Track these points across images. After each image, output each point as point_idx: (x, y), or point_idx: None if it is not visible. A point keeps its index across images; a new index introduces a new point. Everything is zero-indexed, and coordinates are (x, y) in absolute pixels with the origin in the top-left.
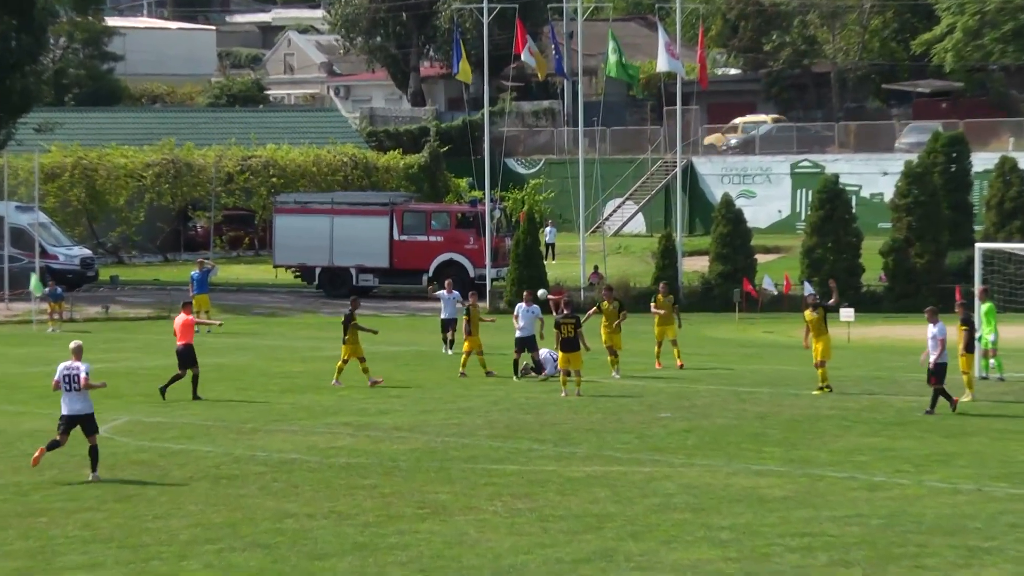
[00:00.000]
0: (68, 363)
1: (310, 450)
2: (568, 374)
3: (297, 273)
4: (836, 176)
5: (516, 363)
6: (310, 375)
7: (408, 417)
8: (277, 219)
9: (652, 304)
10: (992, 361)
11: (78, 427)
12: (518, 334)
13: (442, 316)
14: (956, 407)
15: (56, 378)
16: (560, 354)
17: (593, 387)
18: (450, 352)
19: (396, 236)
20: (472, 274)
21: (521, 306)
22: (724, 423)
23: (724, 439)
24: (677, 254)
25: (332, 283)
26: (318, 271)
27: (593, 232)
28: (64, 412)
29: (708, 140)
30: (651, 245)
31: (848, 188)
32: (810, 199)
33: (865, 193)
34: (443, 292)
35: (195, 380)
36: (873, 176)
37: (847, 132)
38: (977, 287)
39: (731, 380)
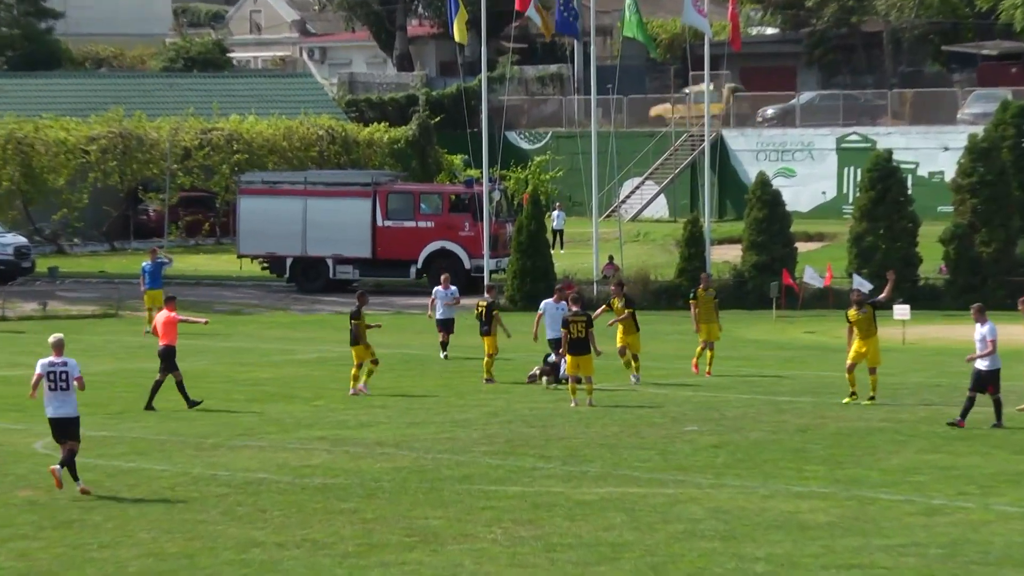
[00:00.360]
0: (51, 359)
1: (280, 469)
2: (578, 380)
3: (265, 264)
4: (889, 152)
5: (556, 367)
6: (280, 382)
7: (393, 431)
8: (242, 202)
9: (692, 301)
10: None
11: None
12: (550, 335)
13: (437, 316)
14: (962, 426)
15: (39, 372)
16: (568, 358)
17: (607, 396)
18: (443, 356)
19: (380, 222)
20: (468, 265)
21: (548, 303)
22: (759, 437)
23: (759, 456)
24: (705, 242)
25: (306, 275)
26: (289, 261)
27: (607, 217)
28: (50, 415)
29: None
30: (675, 232)
31: (903, 166)
32: (859, 178)
33: (923, 171)
34: (439, 288)
35: (155, 389)
36: (932, 152)
37: (902, 101)
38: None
39: (767, 388)
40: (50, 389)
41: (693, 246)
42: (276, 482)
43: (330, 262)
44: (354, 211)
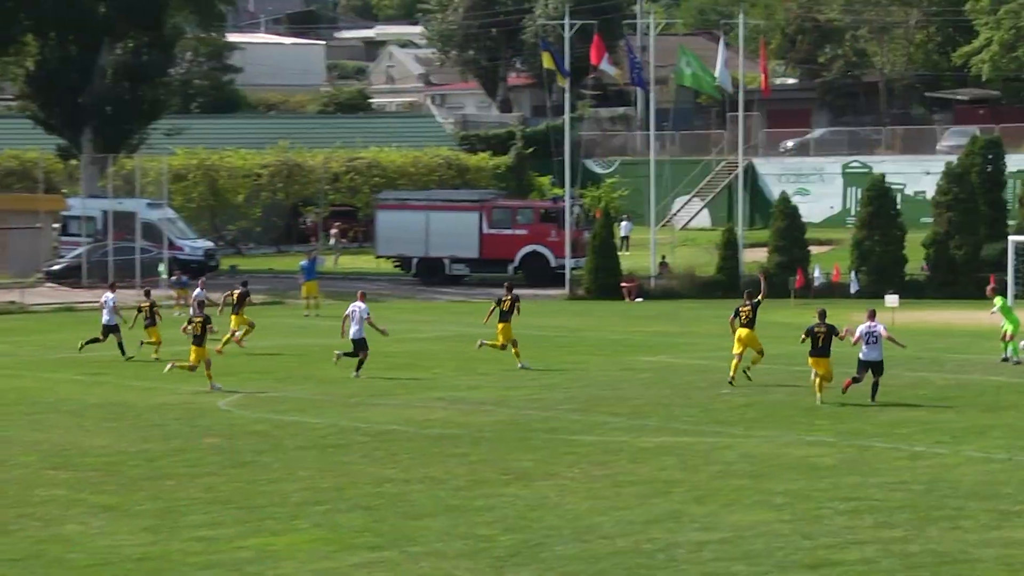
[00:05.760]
0: (356, 304)
1: (407, 422)
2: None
3: (397, 263)
4: (883, 175)
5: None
6: (407, 355)
7: (495, 392)
8: (379, 214)
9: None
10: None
11: None
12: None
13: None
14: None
15: (347, 312)
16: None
17: (664, 364)
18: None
19: (485, 229)
20: (553, 264)
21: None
22: (780, 398)
23: (780, 413)
24: (739, 246)
25: (428, 272)
26: (415, 261)
27: (663, 226)
28: (353, 337)
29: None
30: (715, 238)
31: (894, 186)
32: (859, 196)
33: (909, 191)
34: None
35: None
36: (917, 175)
37: (893, 136)
38: (988, 288)
39: (786, 360)
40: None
41: (730, 249)
42: (404, 432)
43: (446, 261)
44: (466, 222)
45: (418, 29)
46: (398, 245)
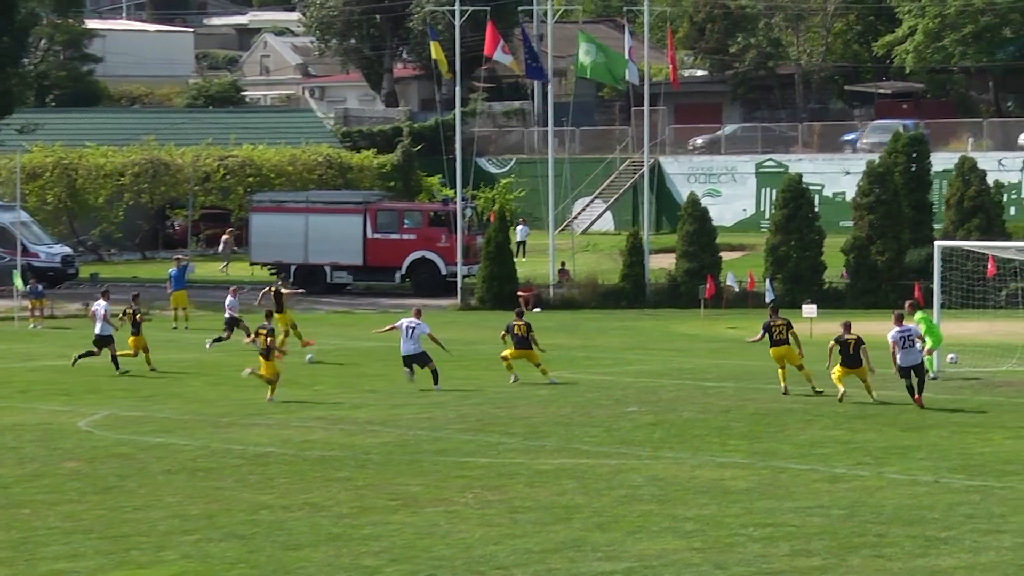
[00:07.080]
0: (409, 319)
1: (285, 443)
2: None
3: (274, 270)
4: (800, 175)
5: None
6: (285, 370)
7: (381, 411)
8: (253, 217)
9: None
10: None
11: None
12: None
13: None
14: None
15: (395, 325)
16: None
17: (563, 380)
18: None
19: (370, 234)
20: (443, 271)
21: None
22: (690, 416)
23: (690, 432)
24: (644, 252)
25: (307, 280)
26: (293, 268)
27: (562, 230)
28: (403, 352)
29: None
30: (619, 243)
31: (811, 187)
32: (774, 198)
33: (828, 192)
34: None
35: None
36: (836, 175)
37: (811, 132)
38: (907, 303)
39: (697, 375)
40: (407, 336)
41: (635, 255)
42: (282, 455)
43: (328, 269)
44: (348, 225)
45: (295, 16)
46: (274, 251)
